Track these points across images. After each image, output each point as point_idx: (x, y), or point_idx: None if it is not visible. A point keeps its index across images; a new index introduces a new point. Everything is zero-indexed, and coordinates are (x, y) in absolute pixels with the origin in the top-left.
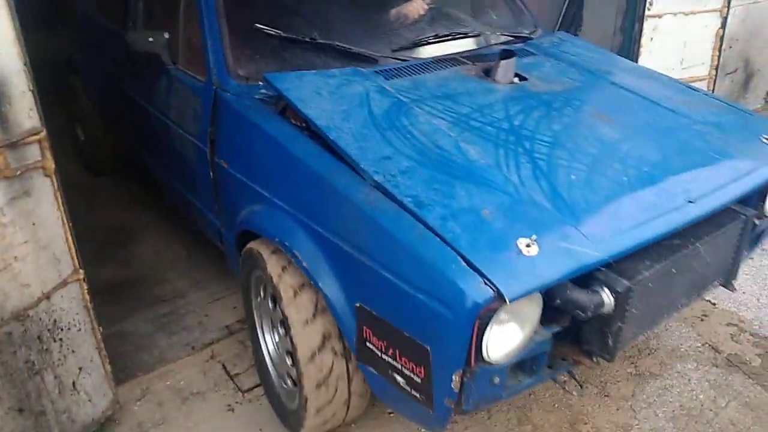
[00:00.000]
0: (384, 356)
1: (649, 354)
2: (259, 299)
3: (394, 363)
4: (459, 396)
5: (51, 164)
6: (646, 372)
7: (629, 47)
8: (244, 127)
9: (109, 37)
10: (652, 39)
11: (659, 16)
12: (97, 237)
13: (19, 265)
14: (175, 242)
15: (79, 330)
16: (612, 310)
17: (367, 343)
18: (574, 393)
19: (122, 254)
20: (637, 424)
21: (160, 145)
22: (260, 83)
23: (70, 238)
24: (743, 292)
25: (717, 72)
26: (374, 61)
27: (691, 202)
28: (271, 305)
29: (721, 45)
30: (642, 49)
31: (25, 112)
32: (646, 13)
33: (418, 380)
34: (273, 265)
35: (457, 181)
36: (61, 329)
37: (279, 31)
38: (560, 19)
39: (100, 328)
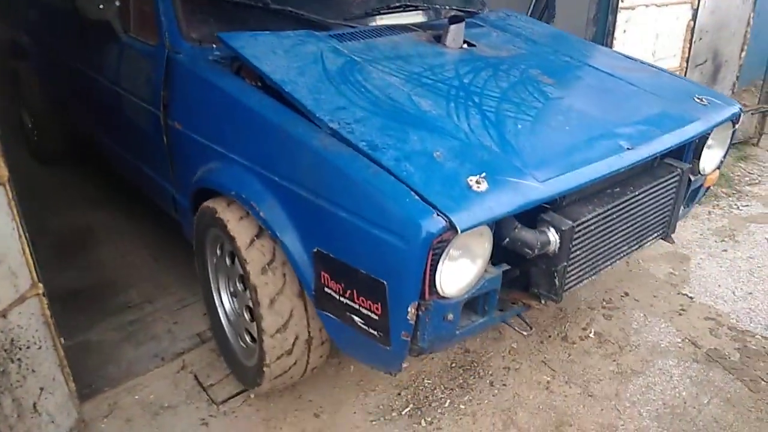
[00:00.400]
0: (342, 299)
1: (630, 351)
2: (215, 258)
3: (352, 304)
4: (414, 331)
5: (4, 171)
6: (628, 370)
7: (602, 38)
8: (198, 87)
9: (57, 12)
10: (624, 31)
11: (632, 8)
12: (55, 239)
13: None
14: (140, 244)
15: (39, 348)
16: (557, 249)
17: (326, 288)
18: (524, 333)
19: (83, 258)
20: (622, 425)
21: (113, 117)
22: (214, 46)
23: (27, 250)
24: (718, 286)
25: (687, 64)
26: (327, 27)
27: (629, 149)
28: (228, 261)
29: (692, 37)
30: (615, 41)
31: None
32: (620, 4)
33: (376, 317)
34: (230, 217)
35: (409, 128)
36: (20, 348)
37: None
38: (531, 7)
39: (62, 340)
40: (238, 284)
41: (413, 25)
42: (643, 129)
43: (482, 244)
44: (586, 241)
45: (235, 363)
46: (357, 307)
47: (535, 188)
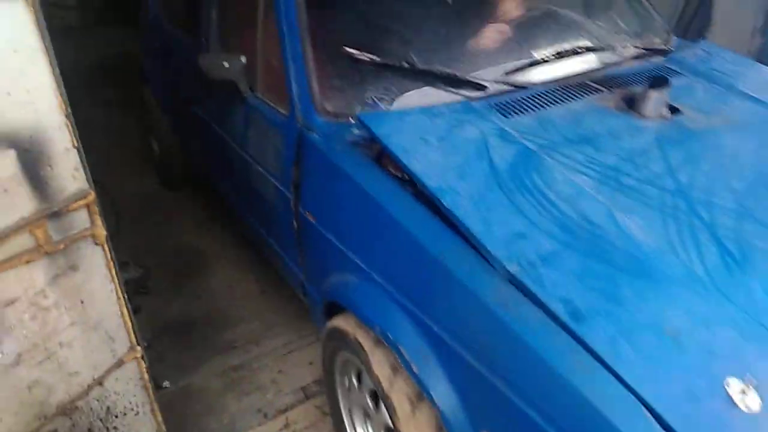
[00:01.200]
0: None
1: None
2: (347, 384)
3: None
4: None
5: (102, 231)
6: None
7: None
8: (334, 178)
9: (178, 48)
10: None
11: None
12: (171, 263)
13: (65, 352)
14: (249, 274)
15: (137, 414)
16: None
17: None
18: None
19: (193, 287)
20: None
21: (236, 177)
22: (353, 121)
23: (126, 312)
24: None
25: None
26: (483, 88)
27: None
28: (371, 403)
29: None
30: None
31: (69, 174)
32: None
33: None
34: (379, 363)
35: (622, 276)
36: (116, 416)
37: (373, 56)
38: (679, 16)
39: (167, 383)
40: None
41: (592, 77)
42: None
43: None
44: None
45: None
46: None
47: None
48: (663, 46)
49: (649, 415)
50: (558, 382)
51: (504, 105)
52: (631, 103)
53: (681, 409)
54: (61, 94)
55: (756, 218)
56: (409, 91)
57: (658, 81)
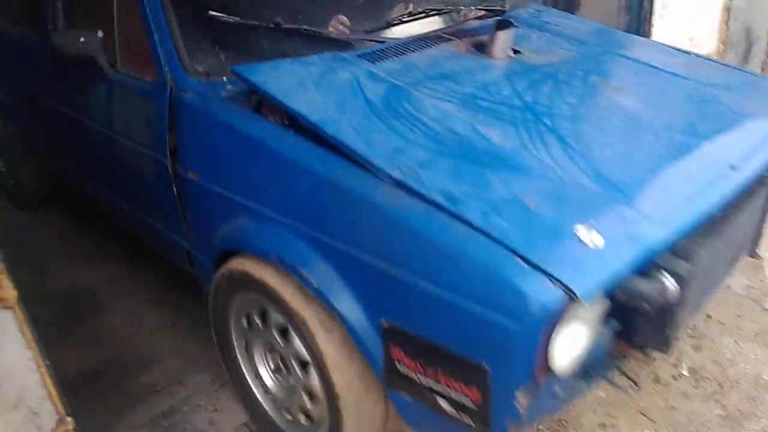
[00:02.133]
0: (421, 379)
1: (731, 387)
2: (243, 326)
3: (436, 386)
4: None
5: (12, 291)
6: (736, 412)
7: (637, 27)
8: (215, 132)
9: (19, 44)
10: (662, 17)
11: None
12: (53, 308)
13: None
14: (154, 306)
15: None
16: (676, 297)
17: (398, 366)
18: (630, 390)
19: (90, 330)
20: None
21: (105, 164)
22: (224, 79)
23: (49, 380)
24: None
25: (724, 46)
26: (348, 45)
27: (733, 168)
28: (279, 338)
29: (728, 17)
30: (653, 29)
31: None
32: None
33: (470, 403)
34: (289, 291)
35: (486, 169)
36: None
37: (237, 18)
38: None
39: None
40: (292, 362)
41: (445, 31)
42: (739, 140)
43: (597, 307)
44: (699, 281)
45: None
46: (442, 389)
47: (654, 233)
48: (499, 8)
49: (521, 261)
50: (445, 253)
51: (369, 55)
52: (481, 48)
53: (541, 250)
54: None
55: (588, 120)
56: (275, 50)
57: (503, 24)
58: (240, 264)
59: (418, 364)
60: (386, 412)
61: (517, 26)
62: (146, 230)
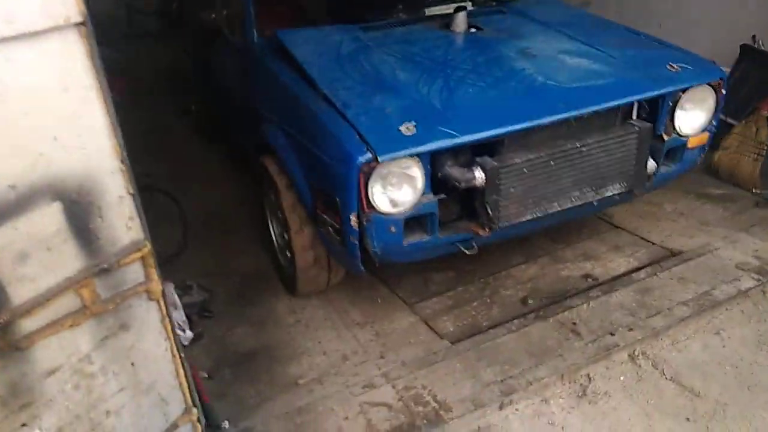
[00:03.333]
0: (323, 216)
1: None
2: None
3: (327, 218)
4: (363, 237)
5: (157, 286)
6: None
7: None
8: (256, 67)
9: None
10: None
11: None
12: (235, 284)
13: (112, 422)
14: (312, 299)
15: None
16: (483, 184)
17: (317, 210)
18: (467, 251)
19: (257, 312)
20: None
21: (228, 92)
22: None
23: (181, 371)
24: None
25: None
26: (365, 21)
27: (561, 106)
28: (273, 198)
29: None
30: None
31: (123, 224)
32: None
33: (337, 226)
34: (274, 169)
35: (379, 93)
36: None
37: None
38: None
39: (226, 423)
40: (279, 214)
41: (441, 15)
42: (585, 92)
43: (417, 175)
44: (519, 181)
45: (282, 274)
46: (328, 220)
47: (452, 136)
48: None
49: (358, 137)
50: (328, 133)
51: (369, 27)
52: (448, 25)
53: (373, 132)
54: (116, 137)
55: (477, 72)
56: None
57: (460, 7)
58: (262, 159)
59: (322, 207)
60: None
61: (504, 11)
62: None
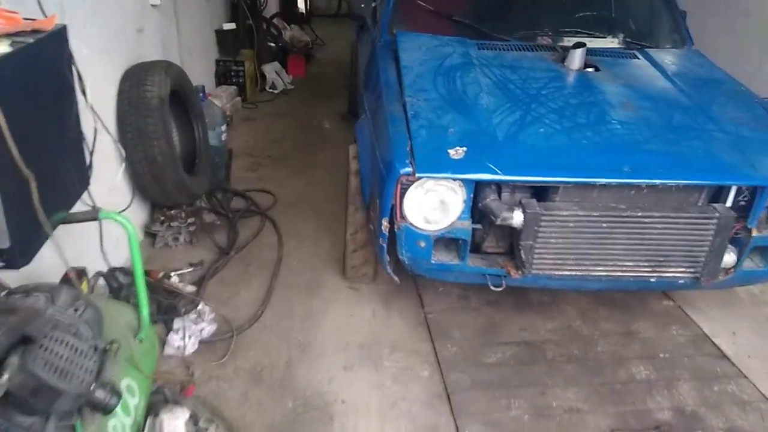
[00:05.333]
0: (371, 212)
1: None
2: None
3: (372, 215)
4: (392, 243)
5: None
6: None
7: None
8: (376, 60)
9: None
10: None
11: None
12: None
13: None
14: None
15: None
16: (521, 226)
17: (369, 206)
18: (493, 287)
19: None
20: None
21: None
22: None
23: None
24: None
25: None
26: (492, 37)
27: (626, 170)
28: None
29: None
30: None
31: None
32: None
33: (373, 227)
34: (352, 155)
35: (453, 111)
36: None
37: (429, 6)
38: None
39: None
40: None
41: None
42: (660, 161)
43: (455, 199)
44: (561, 234)
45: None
46: (372, 217)
47: (493, 171)
48: (647, 45)
49: (409, 150)
50: (389, 138)
51: (485, 44)
52: (563, 59)
53: (424, 149)
54: None
55: (561, 114)
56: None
57: (579, 44)
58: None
59: (373, 203)
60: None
61: (638, 57)
62: None
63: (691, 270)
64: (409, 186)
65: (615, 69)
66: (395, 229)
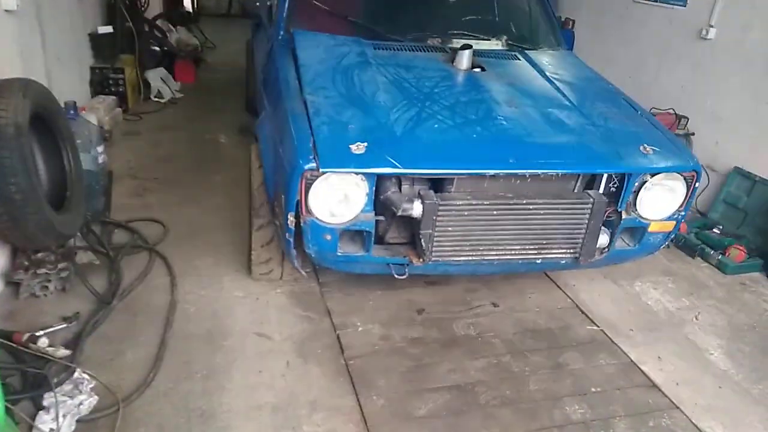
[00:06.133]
0: (276, 209)
1: None
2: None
3: (277, 211)
4: (298, 237)
5: None
6: None
7: None
8: (273, 59)
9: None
10: None
11: None
12: None
13: None
14: None
15: None
16: (420, 216)
17: (274, 203)
18: (396, 275)
19: None
20: None
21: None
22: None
23: None
24: None
25: None
26: (387, 38)
27: (511, 161)
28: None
29: None
30: None
31: None
32: None
33: (279, 223)
34: (255, 154)
35: (353, 108)
36: None
37: (325, 7)
38: None
39: None
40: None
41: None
42: (542, 152)
43: (358, 192)
44: (457, 222)
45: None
46: (278, 213)
47: (393, 165)
48: (527, 47)
49: (312, 146)
50: (291, 135)
51: (382, 45)
52: (453, 60)
53: (327, 146)
54: None
55: (452, 110)
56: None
57: (465, 46)
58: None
59: (278, 201)
60: None
61: (518, 58)
62: None
63: (571, 251)
64: (314, 181)
65: (499, 69)
66: (301, 224)
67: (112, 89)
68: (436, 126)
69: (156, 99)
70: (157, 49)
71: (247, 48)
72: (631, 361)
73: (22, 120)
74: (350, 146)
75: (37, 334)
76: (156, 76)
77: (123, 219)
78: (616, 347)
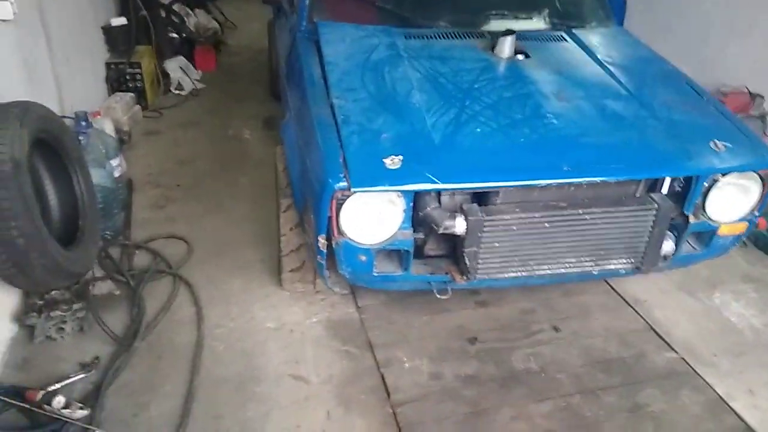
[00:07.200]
0: (305, 224)
1: None
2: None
3: (307, 228)
4: (330, 259)
5: None
6: None
7: None
8: (296, 49)
9: None
10: None
11: None
12: None
13: None
14: None
15: None
16: (464, 233)
17: (304, 218)
18: (440, 296)
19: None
20: None
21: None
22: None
23: None
24: None
25: None
26: (419, 25)
27: (566, 169)
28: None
29: None
30: None
31: None
32: None
33: (310, 241)
34: (279, 157)
35: (385, 113)
36: None
37: None
38: None
39: None
40: None
41: (492, 32)
42: (600, 157)
43: (394, 210)
44: (505, 237)
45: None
46: (307, 230)
47: (432, 181)
48: (574, 24)
49: (342, 161)
50: (318, 147)
51: (412, 33)
52: (494, 47)
53: (358, 161)
54: None
55: (495, 109)
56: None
57: (508, 31)
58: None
59: (308, 216)
60: None
61: (566, 40)
62: None
63: (632, 261)
64: (345, 200)
65: (544, 54)
66: (333, 245)
67: (130, 85)
68: (478, 130)
69: (176, 91)
70: (176, 36)
71: (269, 29)
72: (719, 396)
73: (20, 154)
74: (384, 160)
75: (53, 388)
76: (175, 66)
77: (144, 237)
78: (700, 379)
